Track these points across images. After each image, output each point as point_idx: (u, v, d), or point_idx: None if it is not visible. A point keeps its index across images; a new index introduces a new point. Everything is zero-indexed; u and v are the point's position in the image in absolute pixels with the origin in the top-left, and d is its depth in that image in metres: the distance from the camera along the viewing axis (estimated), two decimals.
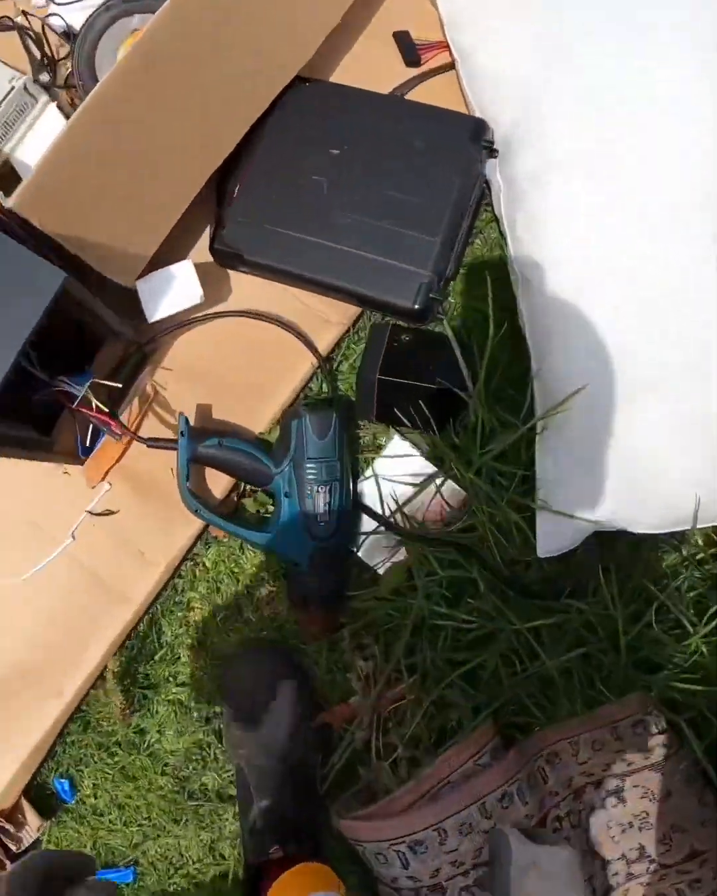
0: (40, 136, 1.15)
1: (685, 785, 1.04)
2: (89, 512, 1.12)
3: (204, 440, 1.05)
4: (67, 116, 1.15)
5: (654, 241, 0.96)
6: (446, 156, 1.06)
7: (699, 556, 1.07)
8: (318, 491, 1.02)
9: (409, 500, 1.08)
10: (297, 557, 1.05)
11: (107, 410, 1.02)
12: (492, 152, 1.09)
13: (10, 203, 0.86)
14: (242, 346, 1.14)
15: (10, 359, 0.82)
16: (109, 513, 1.13)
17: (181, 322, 1.12)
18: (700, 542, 1.09)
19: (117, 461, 1.12)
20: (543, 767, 1.03)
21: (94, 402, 0.99)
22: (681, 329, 0.95)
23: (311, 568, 1.05)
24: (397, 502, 1.08)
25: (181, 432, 1.05)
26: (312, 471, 1.02)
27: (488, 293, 1.04)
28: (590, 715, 1.04)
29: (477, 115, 1.11)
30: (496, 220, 1.12)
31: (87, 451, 1.11)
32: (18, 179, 1.13)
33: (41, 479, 1.13)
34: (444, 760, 0.99)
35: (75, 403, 0.98)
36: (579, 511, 0.99)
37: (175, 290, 1.05)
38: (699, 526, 0.98)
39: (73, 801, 1.15)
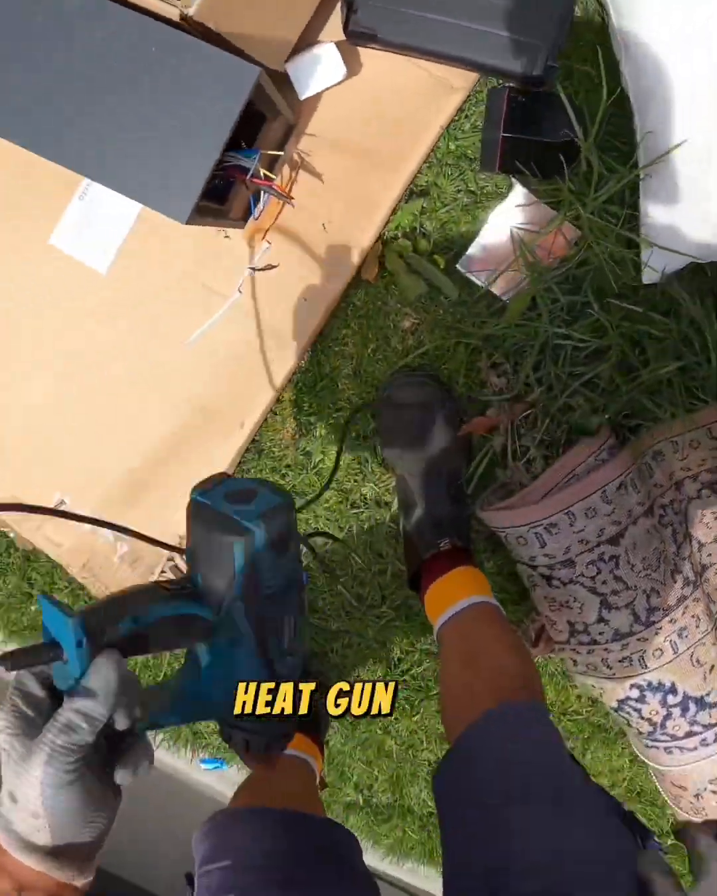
0: None
1: None
2: (253, 268, 1.30)
3: (107, 628, 0.59)
4: None
5: None
6: None
7: None
8: (282, 623, 0.69)
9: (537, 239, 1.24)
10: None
11: (273, 177, 1.18)
12: None
13: (191, 11, 0.98)
14: (374, 115, 1.27)
15: (219, 149, 0.99)
16: (271, 267, 1.30)
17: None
18: None
19: (274, 221, 1.29)
20: (649, 463, 1.25)
21: (263, 171, 1.15)
22: None
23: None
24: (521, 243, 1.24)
25: (62, 639, 0.56)
26: (271, 604, 0.68)
27: (598, 57, 1.18)
28: (688, 417, 1.24)
29: None
30: None
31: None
32: None
33: (206, 244, 1.31)
34: (569, 457, 1.21)
35: (249, 175, 1.11)
36: (677, 244, 1.17)
37: (321, 69, 1.20)
38: None
39: None
